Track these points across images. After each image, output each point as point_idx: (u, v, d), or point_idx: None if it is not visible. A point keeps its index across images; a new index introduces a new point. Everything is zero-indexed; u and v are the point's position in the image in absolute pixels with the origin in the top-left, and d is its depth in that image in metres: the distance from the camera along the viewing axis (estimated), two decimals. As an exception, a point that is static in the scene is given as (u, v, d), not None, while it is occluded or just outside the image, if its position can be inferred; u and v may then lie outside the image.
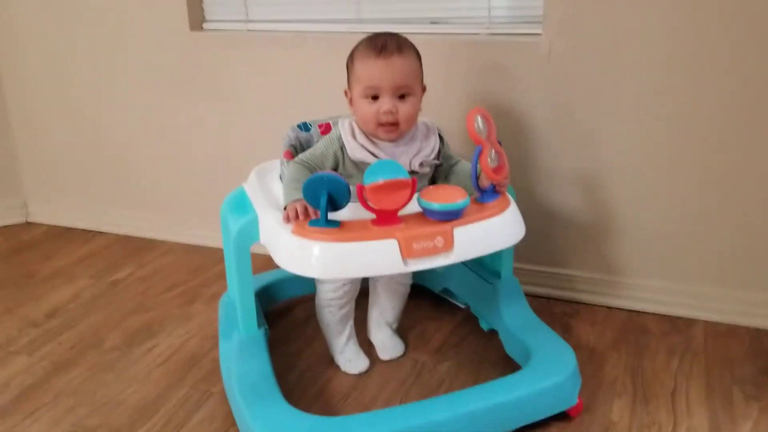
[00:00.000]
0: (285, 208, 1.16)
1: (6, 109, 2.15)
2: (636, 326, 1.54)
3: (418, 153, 1.26)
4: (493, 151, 1.16)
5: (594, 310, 1.61)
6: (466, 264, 1.52)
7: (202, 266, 1.90)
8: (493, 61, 1.58)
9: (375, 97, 1.22)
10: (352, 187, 1.08)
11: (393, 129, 1.22)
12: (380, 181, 1.05)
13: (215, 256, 1.93)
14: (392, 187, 1.06)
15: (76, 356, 1.48)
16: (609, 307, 1.62)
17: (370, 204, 1.07)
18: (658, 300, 1.58)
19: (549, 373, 1.20)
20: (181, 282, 1.81)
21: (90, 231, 2.16)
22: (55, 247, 2.06)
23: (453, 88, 1.60)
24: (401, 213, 1.10)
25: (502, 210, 1.17)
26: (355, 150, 1.23)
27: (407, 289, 1.46)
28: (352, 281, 1.36)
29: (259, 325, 1.31)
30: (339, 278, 1.31)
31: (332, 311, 1.38)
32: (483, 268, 1.49)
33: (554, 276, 1.67)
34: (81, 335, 1.56)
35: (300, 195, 1.11)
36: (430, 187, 1.16)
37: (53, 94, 2.09)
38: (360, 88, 1.22)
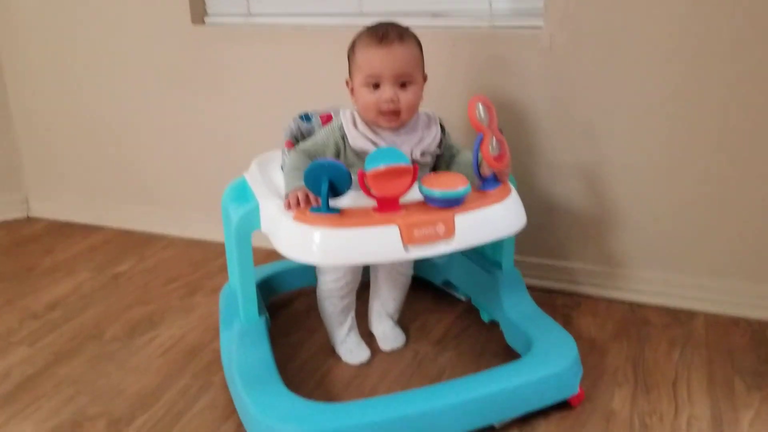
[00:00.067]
0: (286, 196, 1.16)
1: (7, 105, 2.16)
2: (637, 318, 1.54)
3: (420, 142, 1.26)
4: (494, 139, 1.16)
5: (595, 303, 1.61)
6: (467, 255, 1.53)
7: (204, 260, 1.90)
8: (494, 54, 1.58)
9: (376, 86, 1.22)
10: (353, 177, 1.08)
11: (394, 117, 1.23)
12: (381, 167, 1.05)
13: (216, 249, 1.93)
14: (393, 173, 1.06)
15: (77, 347, 1.48)
16: (610, 300, 1.62)
17: (371, 190, 1.08)
18: (659, 292, 1.58)
19: (550, 361, 1.21)
20: (182, 275, 1.82)
21: (91, 226, 2.16)
22: (56, 241, 2.06)
23: (454, 81, 1.60)
24: (402, 200, 1.10)
25: (503, 198, 1.17)
26: (356, 139, 1.24)
27: (408, 280, 1.46)
28: (353, 272, 1.36)
29: (259, 314, 1.31)
30: (340, 264, 1.30)
31: (333, 302, 1.38)
32: (484, 259, 1.49)
33: (555, 269, 1.67)
34: (82, 327, 1.56)
35: (301, 183, 1.12)
36: (431, 174, 1.16)
37: (55, 90, 2.09)
38: (361, 77, 1.23)
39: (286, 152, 1.29)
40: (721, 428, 1.18)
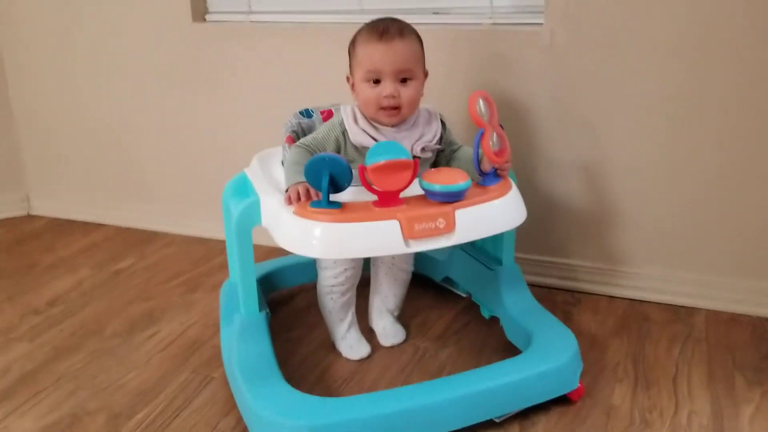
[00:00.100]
0: (287, 191, 1.16)
1: (9, 104, 2.16)
2: (637, 315, 1.54)
3: (420, 138, 1.26)
4: (494, 134, 1.16)
5: (595, 299, 1.61)
6: (467, 251, 1.53)
7: (205, 257, 1.90)
8: (495, 51, 1.58)
9: (377, 81, 1.22)
10: (353, 172, 1.08)
11: (395, 113, 1.23)
12: (382, 161, 1.05)
13: (217, 247, 1.94)
14: (394, 167, 1.06)
15: (77, 342, 1.48)
16: (610, 297, 1.62)
17: (371, 185, 1.08)
18: (660, 289, 1.58)
19: (550, 356, 1.20)
20: (183, 272, 1.82)
21: (92, 223, 2.17)
22: (57, 239, 2.06)
23: (455, 78, 1.60)
24: (403, 195, 1.10)
25: (503, 193, 1.17)
26: (357, 134, 1.24)
27: (409, 276, 1.46)
28: (354, 267, 1.36)
29: (260, 309, 1.31)
30: (340, 258, 1.30)
31: (334, 298, 1.38)
32: (484, 254, 1.49)
33: (555, 266, 1.67)
34: (82, 322, 1.57)
35: (301, 178, 1.12)
36: (432, 169, 1.16)
37: (56, 88, 2.09)
38: (362, 72, 1.23)
39: (287, 148, 1.29)
40: (721, 423, 1.17)
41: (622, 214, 1.58)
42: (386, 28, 1.21)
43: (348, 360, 1.39)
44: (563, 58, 1.52)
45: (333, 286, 1.36)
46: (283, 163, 1.32)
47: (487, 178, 1.19)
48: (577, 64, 1.51)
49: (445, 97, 1.50)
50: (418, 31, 1.27)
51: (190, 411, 1.24)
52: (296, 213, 1.10)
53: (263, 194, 1.23)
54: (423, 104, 1.30)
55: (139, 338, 1.50)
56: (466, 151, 1.29)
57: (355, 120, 1.25)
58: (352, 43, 1.27)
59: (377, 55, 1.21)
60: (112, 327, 1.54)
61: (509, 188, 1.19)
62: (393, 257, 1.41)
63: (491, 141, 1.15)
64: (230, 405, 1.25)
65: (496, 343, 1.42)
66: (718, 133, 1.46)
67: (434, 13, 1.67)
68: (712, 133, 1.46)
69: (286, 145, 1.30)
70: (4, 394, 1.30)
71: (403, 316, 1.51)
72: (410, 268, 1.45)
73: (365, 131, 1.24)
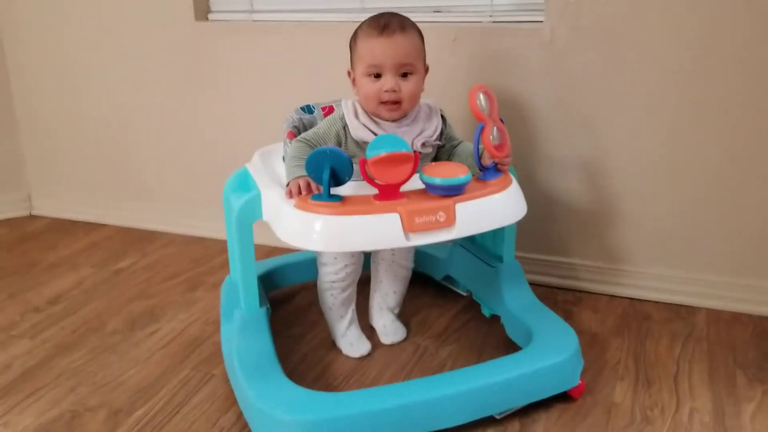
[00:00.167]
0: (287, 185, 1.16)
1: (11, 104, 2.17)
2: (638, 313, 1.54)
3: (421, 133, 1.26)
4: (495, 128, 1.16)
5: (596, 298, 1.61)
6: (468, 249, 1.53)
7: (205, 256, 1.90)
8: (495, 49, 1.58)
9: (377, 76, 1.23)
10: (354, 166, 1.08)
11: (395, 107, 1.23)
12: (382, 153, 1.05)
13: (218, 246, 1.94)
14: (394, 160, 1.06)
15: (78, 340, 1.48)
16: (611, 295, 1.62)
17: (372, 178, 1.08)
18: (661, 288, 1.58)
19: (551, 352, 1.20)
20: (184, 271, 1.82)
21: (93, 223, 2.17)
22: (58, 238, 2.06)
23: (456, 76, 1.60)
24: (403, 189, 1.10)
25: (504, 187, 1.17)
26: (358, 129, 1.24)
27: (409, 273, 1.46)
28: (354, 263, 1.36)
29: (261, 305, 1.31)
30: (341, 251, 1.30)
31: (334, 294, 1.38)
32: (485, 252, 1.49)
33: (556, 264, 1.66)
34: (83, 320, 1.56)
35: (302, 172, 1.12)
36: (432, 163, 1.16)
37: (57, 88, 2.10)
38: (363, 67, 1.23)
39: (288, 143, 1.29)
40: (722, 421, 1.17)
41: (622, 213, 1.58)
42: (387, 23, 1.22)
43: (348, 358, 1.38)
44: (563, 56, 1.52)
45: (333, 282, 1.36)
46: (284, 159, 1.32)
47: (487, 172, 1.19)
48: (578, 62, 1.51)
49: (445, 94, 1.50)
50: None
51: (190, 407, 1.24)
52: (297, 206, 1.10)
53: (264, 188, 1.23)
54: (423, 99, 1.30)
55: (139, 335, 1.49)
56: (467, 147, 1.29)
57: (356, 115, 1.25)
58: (353, 38, 1.27)
59: (378, 49, 1.21)
60: (112, 324, 1.54)
61: (510, 183, 1.19)
62: (393, 253, 1.41)
63: (492, 135, 1.15)
64: (230, 402, 1.24)
65: (497, 342, 1.41)
66: (718, 132, 1.46)
67: (435, 12, 1.67)
68: (712, 132, 1.46)
69: (287, 140, 1.30)
70: (5, 391, 1.30)
71: (404, 314, 1.51)
72: (410, 264, 1.45)
73: (366, 126, 1.24)
